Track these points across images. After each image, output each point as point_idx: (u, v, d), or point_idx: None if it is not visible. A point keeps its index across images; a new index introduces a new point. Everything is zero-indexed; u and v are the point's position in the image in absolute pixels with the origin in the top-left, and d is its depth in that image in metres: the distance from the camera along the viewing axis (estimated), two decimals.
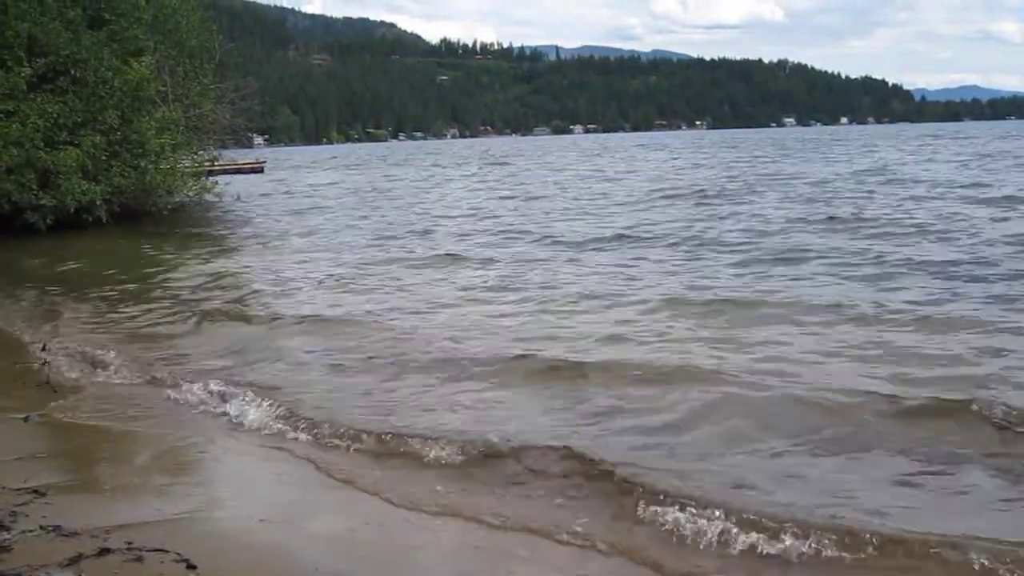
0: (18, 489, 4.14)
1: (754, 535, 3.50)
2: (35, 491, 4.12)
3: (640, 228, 14.15)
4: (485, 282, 9.97)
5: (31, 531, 3.65)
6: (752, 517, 3.59)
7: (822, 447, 4.48)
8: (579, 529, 3.69)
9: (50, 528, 3.68)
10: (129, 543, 3.51)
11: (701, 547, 3.51)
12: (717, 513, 3.63)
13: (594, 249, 12.18)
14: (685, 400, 5.21)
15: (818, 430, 4.66)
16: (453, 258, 11.90)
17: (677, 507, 3.72)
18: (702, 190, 21.11)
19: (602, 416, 5.11)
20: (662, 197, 19.91)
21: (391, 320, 7.95)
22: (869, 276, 9.08)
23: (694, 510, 3.68)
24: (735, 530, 3.53)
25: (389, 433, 4.85)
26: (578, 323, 7.53)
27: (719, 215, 15.80)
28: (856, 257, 10.31)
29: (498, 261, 11.49)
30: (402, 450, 4.68)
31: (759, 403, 5.05)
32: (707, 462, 4.35)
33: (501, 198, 22.72)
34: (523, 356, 6.29)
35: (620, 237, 13.14)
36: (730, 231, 13.43)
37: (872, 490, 3.94)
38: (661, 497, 3.82)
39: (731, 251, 11.38)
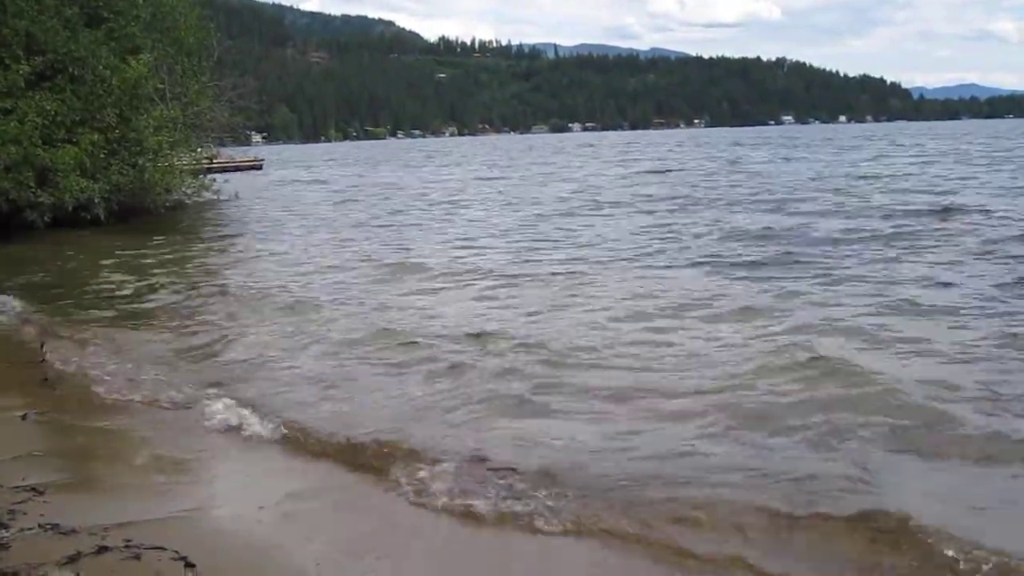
0: (16, 487, 4.13)
1: None
2: (33, 489, 4.12)
3: None
4: None
5: (29, 529, 3.65)
6: None
7: None
8: None
9: (48, 526, 3.67)
10: (127, 541, 3.51)
11: None
12: None
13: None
14: None
15: None
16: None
17: None
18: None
19: None
20: None
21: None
22: None
23: None
24: None
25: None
26: None
27: None
28: None
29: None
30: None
31: None
32: None
33: None
34: None
35: None
36: None
37: None
38: None
39: None
